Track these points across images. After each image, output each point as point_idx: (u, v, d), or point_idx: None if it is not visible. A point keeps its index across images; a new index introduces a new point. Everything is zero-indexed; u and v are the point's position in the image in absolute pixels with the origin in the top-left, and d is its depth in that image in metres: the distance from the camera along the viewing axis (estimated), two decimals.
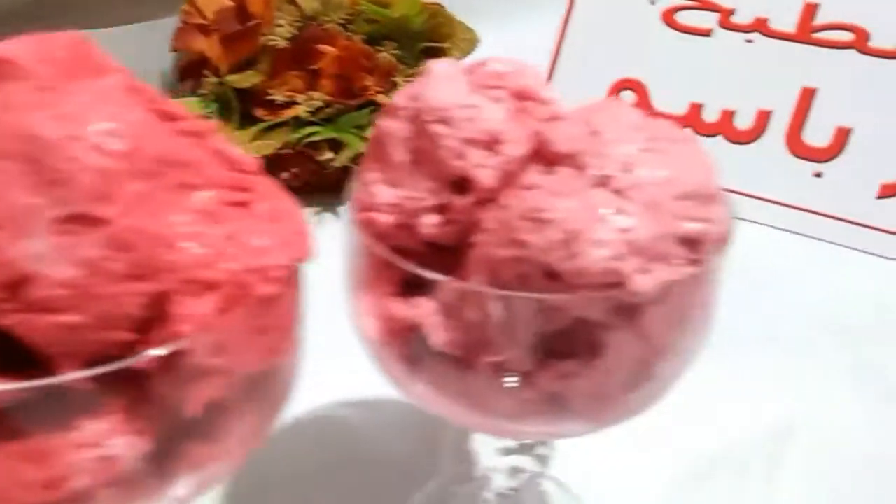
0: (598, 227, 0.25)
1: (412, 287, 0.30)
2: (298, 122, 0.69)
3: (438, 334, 0.28)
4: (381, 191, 0.29)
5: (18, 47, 0.23)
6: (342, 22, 0.71)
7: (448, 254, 0.30)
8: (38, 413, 0.24)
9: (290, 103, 0.69)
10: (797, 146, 0.72)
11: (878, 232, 0.68)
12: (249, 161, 0.28)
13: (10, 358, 0.23)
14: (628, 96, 0.78)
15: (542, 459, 0.37)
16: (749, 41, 0.73)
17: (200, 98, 0.72)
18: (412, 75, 0.74)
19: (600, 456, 0.45)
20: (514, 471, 0.37)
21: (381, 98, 0.70)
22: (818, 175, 0.71)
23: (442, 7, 0.76)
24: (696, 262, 0.26)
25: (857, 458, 0.45)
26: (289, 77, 0.69)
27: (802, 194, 0.70)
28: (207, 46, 0.70)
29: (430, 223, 0.28)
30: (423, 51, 0.77)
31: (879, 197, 0.69)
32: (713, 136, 0.74)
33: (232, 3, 0.71)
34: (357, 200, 0.30)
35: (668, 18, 0.77)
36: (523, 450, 0.37)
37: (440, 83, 0.28)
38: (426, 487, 0.43)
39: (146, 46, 0.74)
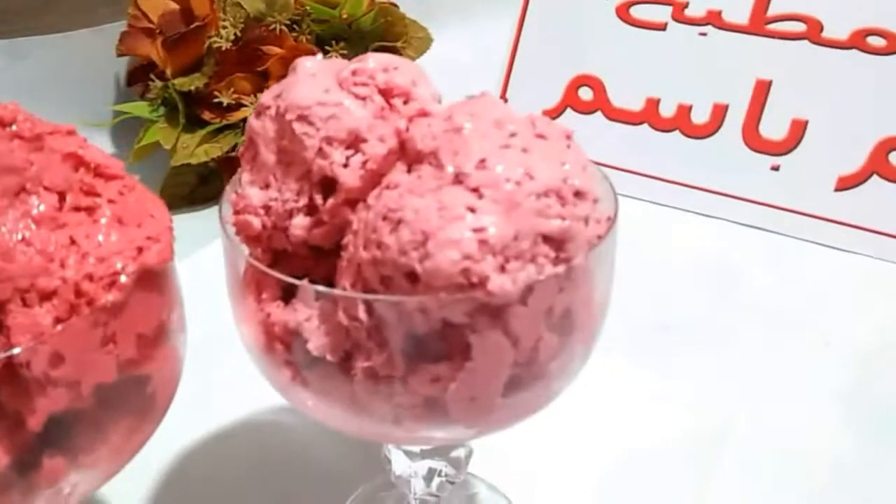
0: (451, 227, 0.24)
1: (293, 292, 0.29)
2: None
3: (314, 339, 0.27)
4: (252, 193, 0.28)
5: None
6: (289, 23, 0.70)
7: (331, 256, 0.29)
8: None
9: (238, 105, 0.68)
10: (754, 140, 0.71)
11: (836, 225, 0.66)
12: (111, 164, 0.27)
13: None
14: (586, 93, 0.78)
15: (457, 462, 0.36)
16: (703, 34, 0.72)
17: (149, 102, 0.71)
18: None
19: (531, 455, 0.44)
20: (431, 474, 0.37)
21: None
22: (776, 168, 0.70)
23: (394, 6, 0.76)
24: (563, 260, 0.26)
25: (798, 456, 0.44)
26: (235, 79, 0.68)
27: (760, 188, 0.69)
28: (153, 50, 0.69)
29: (299, 225, 0.28)
30: (375, 50, 0.76)
31: (837, 189, 0.68)
32: (670, 131, 0.74)
33: (176, 6, 0.70)
34: (232, 203, 0.29)
35: (623, 13, 0.76)
36: (437, 453, 0.36)
37: (304, 80, 0.28)
38: (355, 493, 0.43)
39: (95, 51, 0.74)
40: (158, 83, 0.69)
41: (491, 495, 0.43)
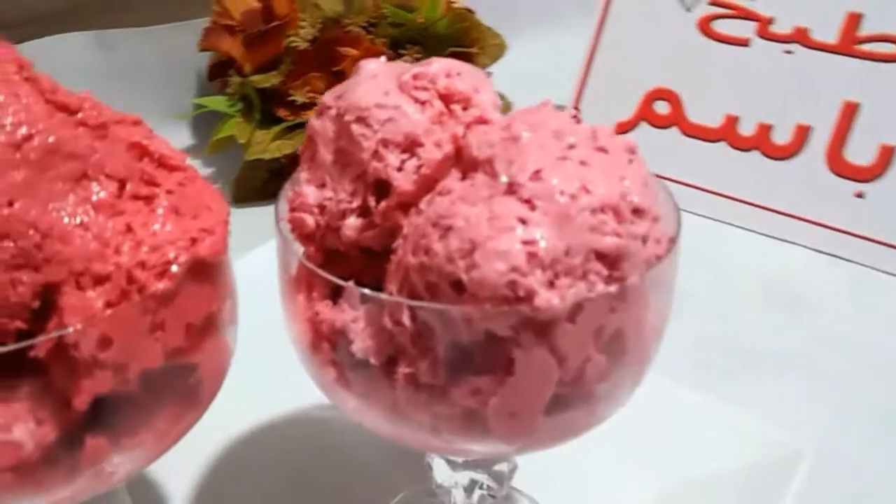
0: (501, 238, 0.23)
1: (341, 292, 0.29)
2: None
3: (359, 341, 0.27)
4: (308, 191, 0.28)
5: None
6: (366, 25, 0.71)
7: (382, 259, 0.29)
8: None
9: (312, 104, 0.69)
10: (838, 164, 0.68)
11: None
12: (174, 155, 0.28)
13: None
14: (662, 107, 0.76)
15: (499, 476, 0.35)
16: (788, 52, 0.69)
17: (227, 97, 0.73)
18: None
19: (579, 474, 0.43)
20: (473, 486, 0.36)
21: None
22: (860, 195, 0.66)
23: (470, 12, 0.75)
24: (617, 279, 0.25)
25: (871, 493, 0.42)
26: (311, 78, 0.69)
27: (842, 215, 0.66)
28: (233, 46, 0.71)
29: (352, 226, 0.28)
30: (449, 55, 0.76)
31: None
32: (749, 150, 0.71)
33: (258, 4, 0.71)
34: (288, 200, 0.29)
35: (705, 27, 0.74)
36: (480, 465, 0.35)
37: (364, 82, 0.28)
38: (396, 499, 0.43)
39: (180, 45, 0.76)
40: (237, 79, 0.71)
41: None
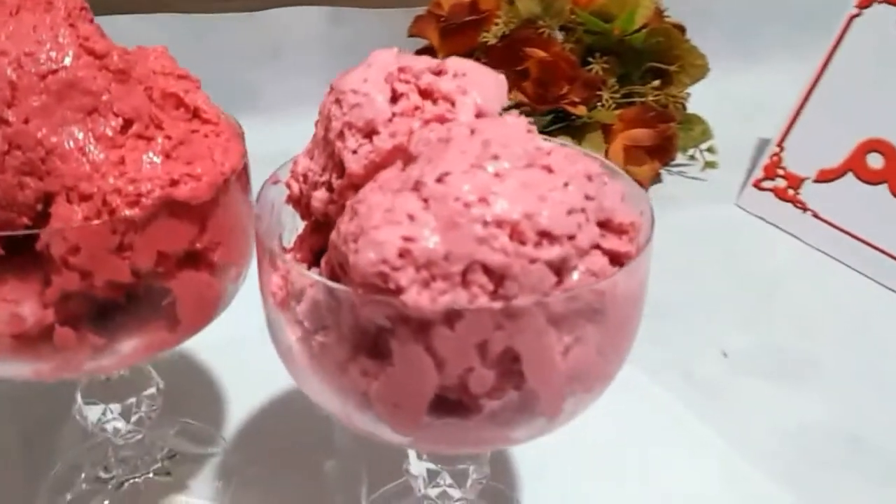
0: (384, 229, 0.24)
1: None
2: None
3: (304, 304, 0.30)
4: (300, 160, 0.31)
5: None
6: (561, 29, 0.72)
7: None
8: None
9: None
10: None
11: None
12: (210, 111, 0.32)
13: None
14: (875, 160, 0.66)
15: (461, 475, 0.36)
16: None
17: None
18: (632, 93, 0.72)
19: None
20: (433, 477, 0.36)
21: (575, 109, 0.69)
22: None
23: (679, 29, 0.72)
24: (502, 297, 0.24)
25: None
26: None
27: None
28: (435, 35, 0.75)
29: (318, 198, 0.30)
30: (648, 71, 0.74)
31: None
32: None
33: None
34: (290, 166, 0.32)
35: None
36: (441, 461, 0.36)
37: (357, 68, 0.29)
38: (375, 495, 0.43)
39: (401, 29, 0.83)
40: None
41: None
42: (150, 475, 0.43)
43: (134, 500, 0.42)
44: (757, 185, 0.74)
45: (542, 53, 0.70)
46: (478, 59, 0.71)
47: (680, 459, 0.46)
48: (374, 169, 0.28)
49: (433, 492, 0.36)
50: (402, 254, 0.24)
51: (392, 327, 0.25)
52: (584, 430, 0.47)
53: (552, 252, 0.24)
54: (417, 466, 0.36)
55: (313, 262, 0.32)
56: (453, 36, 0.73)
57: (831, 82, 0.69)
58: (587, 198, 0.26)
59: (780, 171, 0.73)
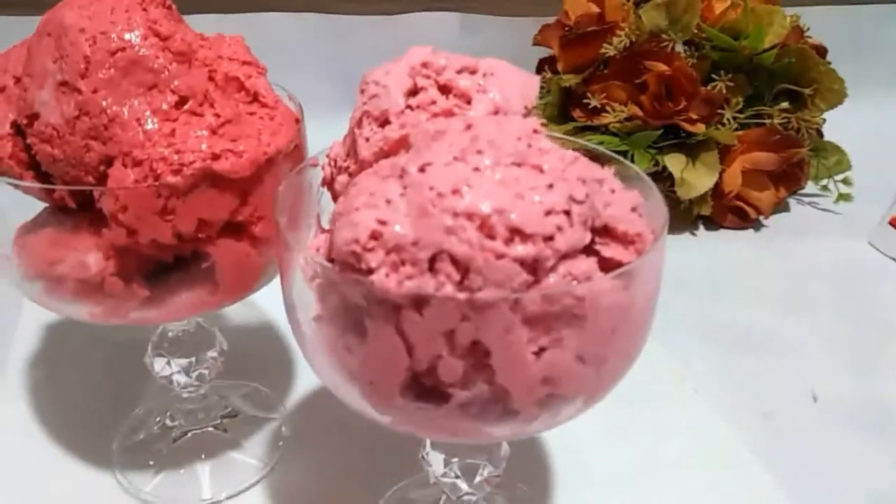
0: (361, 211, 0.25)
1: None
2: (607, 130, 0.70)
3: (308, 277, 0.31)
4: (335, 145, 0.33)
5: None
6: (687, 43, 0.69)
7: None
8: (61, 216, 0.35)
9: (603, 110, 0.70)
10: None
11: None
12: (268, 96, 0.35)
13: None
14: None
15: (469, 470, 0.36)
16: None
17: (539, 90, 0.78)
18: (759, 115, 0.69)
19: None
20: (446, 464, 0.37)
21: (692, 126, 0.67)
22: None
23: (811, 50, 0.68)
24: (467, 289, 0.24)
25: None
26: (610, 85, 0.70)
27: None
28: (556, 45, 0.75)
29: (341, 181, 0.31)
30: (781, 92, 0.70)
31: None
32: None
33: (596, 10, 0.74)
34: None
35: None
36: (455, 454, 0.36)
37: (391, 62, 0.31)
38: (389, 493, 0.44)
39: (528, 38, 0.83)
40: (549, 74, 0.75)
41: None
42: (209, 429, 0.46)
43: (191, 449, 0.46)
44: (893, 224, 0.68)
45: (662, 67, 0.68)
46: (598, 70, 0.71)
47: (724, 496, 0.44)
48: (381, 156, 0.29)
49: (445, 481, 0.37)
50: (374, 236, 0.25)
51: (367, 306, 0.26)
52: (629, 446, 0.46)
53: (523, 250, 0.24)
54: (433, 455, 0.37)
55: None
56: (574, 46, 0.73)
57: None
58: (573, 200, 0.25)
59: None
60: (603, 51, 0.70)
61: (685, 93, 0.67)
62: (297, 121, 0.37)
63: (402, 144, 0.29)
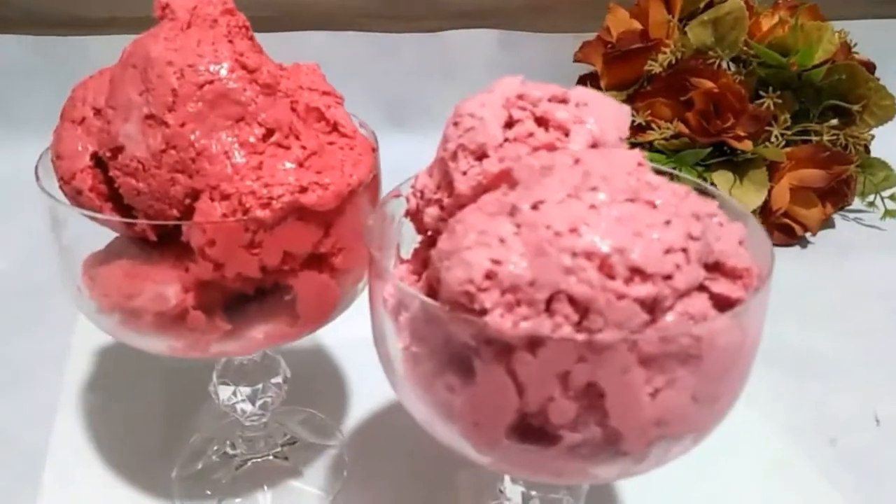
0: (474, 250, 0.25)
1: None
2: (651, 148, 0.70)
3: (403, 315, 0.31)
4: (420, 176, 0.32)
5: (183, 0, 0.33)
6: (733, 60, 0.69)
7: None
8: (137, 248, 0.35)
9: (649, 127, 0.70)
10: None
11: None
12: (347, 126, 0.35)
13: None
14: None
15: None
16: None
17: None
18: (806, 131, 0.68)
19: None
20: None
21: (739, 143, 0.66)
22: None
23: (862, 67, 0.67)
24: (586, 330, 0.24)
25: None
26: (655, 102, 0.70)
27: None
28: (599, 61, 0.75)
29: (430, 214, 0.31)
30: (828, 108, 0.69)
31: None
32: None
33: (639, 26, 0.74)
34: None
35: None
36: (534, 487, 0.36)
37: (481, 93, 0.30)
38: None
39: (567, 54, 0.83)
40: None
41: None
42: (270, 457, 0.46)
43: (252, 477, 0.45)
44: None
45: (709, 84, 0.67)
46: (642, 87, 0.70)
47: None
48: (480, 191, 0.28)
49: None
50: (489, 275, 0.24)
51: (476, 346, 0.25)
52: (696, 477, 0.45)
53: (643, 290, 0.24)
54: (511, 489, 0.36)
55: (419, 272, 0.33)
56: (618, 63, 0.72)
57: None
58: (690, 237, 0.25)
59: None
60: (648, 68, 0.70)
61: (733, 110, 0.67)
62: (374, 149, 0.36)
63: (503, 178, 0.28)
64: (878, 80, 0.68)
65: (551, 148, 0.28)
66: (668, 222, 0.25)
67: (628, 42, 0.73)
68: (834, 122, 0.67)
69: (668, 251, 0.24)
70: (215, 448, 0.47)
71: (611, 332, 0.24)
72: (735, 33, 0.68)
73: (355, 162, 0.34)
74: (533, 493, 0.35)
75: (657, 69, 0.69)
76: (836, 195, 0.71)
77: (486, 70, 0.85)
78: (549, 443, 0.26)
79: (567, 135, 0.29)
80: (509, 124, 0.29)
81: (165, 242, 0.34)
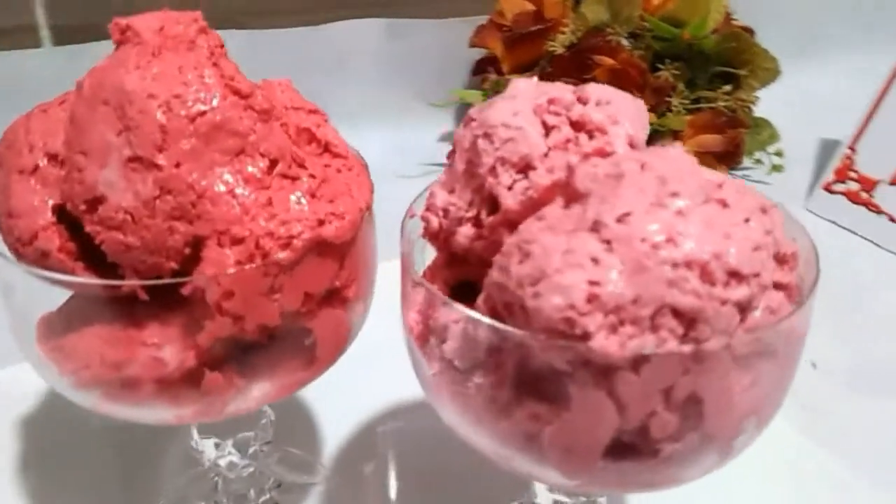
0: (567, 273, 0.23)
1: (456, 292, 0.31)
2: None
3: (451, 342, 0.29)
4: (438, 194, 0.30)
5: (146, 20, 0.29)
6: (628, 35, 0.71)
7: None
8: (120, 309, 0.30)
9: None
10: None
11: None
12: (339, 144, 0.32)
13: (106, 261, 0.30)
14: None
15: None
16: None
17: (483, 92, 0.77)
18: (700, 99, 0.71)
19: None
20: None
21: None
22: None
23: (745, 33, 0.71)
24: (693, 340, 0.23)
25: None
26: (561, 83, 0.70)
27: None
28: (498, 45, 0.74)
29: (464, 234, 0.29)
30: (717, 75, 0.73)
31: None
32: None
33: (532, 8, 0.74)
34: (426, 198, 0.32)
35: None
36: (571, 495, 0.35)
37: (502, 100, 0.29)
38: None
39: (458, 40, 0.82)
40: (494, 76, 0.74)
41: None
42: None
43: None
44: (827, 189, 0.73)
45: (610, 61, 0.69)
46: (543, 69, 0.70)
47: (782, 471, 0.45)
48: (531, 205, 0.27)
49: None
50: (590, 299, 0.23)
51: (572, 371, 0.24)
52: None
53: (740, 292, 0.24)
54: (550, 497, 0.35)
55: (449, 295, 0.31)
56: (518, 46, 0.72)
57: None
58: (767, 233, 0.25)
59: (853, 174, 0.72)
60: (550, 48, 0.70)
61: (635, 84, 0.69)
62: (365, 167, 0.34)
63: (555, 190, 0.27)
64: (759, 44, 0.72)
65: (602, 153, 0.27)
66: (747, 220, 0.24)
67: (524, 24, 0.73)
68: (727, 87, 0.71)
69: (755, 249, 0.24)
70: None
71: (716, 340, 0.23)
72: (629, 9, 0.69)
73: (358, 184, 0.31)
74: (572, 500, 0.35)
75: (559, 49, 0.70)
76: (729, 156, 0.75)
77: (377, 61, 0.83)
78: (645, 456, 0.26)
79: (604, 136, 0.28)
80: (545, 132, 0.28)
81: (155, 299, 0.29)
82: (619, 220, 0.24)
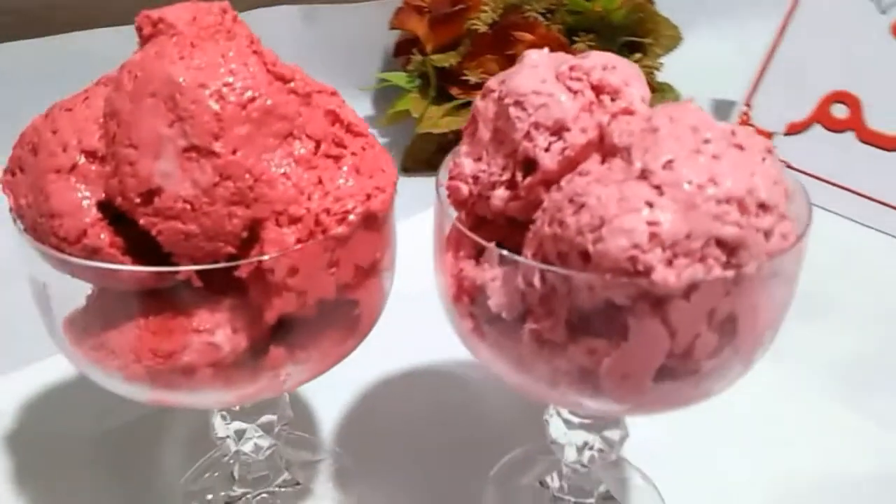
0: (627, 217, 0.26)
1: (483, 253, 0.33)
2: None
3: (495, 297, 0.31)
4: (465, 163, 0.33)
5: (176, 11, 0.29)
6: (544, 11, 0.74)
7: (523, 228, 0.32)
8: (168, 298, 0.31)
9: (481, 85, 0.73)
10: None
11: None
12: (359, 123, 0.33)
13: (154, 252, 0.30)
14: (840, 110, 0.73)
15: (610, 441, 0.38)
16: None
17: (408, 73, 0.79)
18: None
19: (691, 455, 0.45)
20: (584, 446, 0.39)
21: None
22: None
23: (648, 2, 0.77)
24: (734, 266, 0.27)
25: None
26: (485, 60, 0.74)
27: None
28: (419, 27, 0.76)
29: (499, 197, 0.31)
30: (624, 44, 0.78)
31: None
32: None
33: None
34: (449, 169, 0.34)
35: None
36: (594, 428, 0.38)
37: (526, 70, 0.31)
38: (513, 452, 0.46)
39: (375, 23, 0.83)
40: (419, 57, 0.77)
41: (642, 483, 0.45)
42: (279, 488, 0.43)
43: None
44: None
45: (530, 37, 0.73)
46: (466, 47, 0.73)
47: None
48: (567, 164, 0.30)
49: (583, 457, 0.39)
50: (651, 237, 0.26)
51: (631, 305, 0.27)
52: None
53: (767, 221, 0.27)
54: (568, 435, 0.38)
55: (476, 257, 0.33)
56: (441, 26, 0.74)
57: (794, 39, 0.75)
58: (778, 170, 0.29)
59: (751, 128, 0.80)
60: (473, 27, 0.73)
61: None
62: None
63: (590, 149, 0.30)
64: (660, 13, 0.78)
65: (628, 112, 0.30)
66: (763, 159, 0.28)
67: (443, 5, 0.75)
68: (637, 56, 0.76)
69: (775, 184, 0.28)
70: (209, 498, 0.43)
71: (753, 264, 0.27)
72: None
73: (385, 159, 0.33)
74: (591, 439, 0.38)
75: (482, 28, 0.73)
76: None
77: (294, 48, 0.82)
78: (685, 375, 0.29)
79: (621, 96, 0.31)
80: (572, 96, 0.31)
81: (204, 285, 0.30)
82: (665, 166, 0.27)
